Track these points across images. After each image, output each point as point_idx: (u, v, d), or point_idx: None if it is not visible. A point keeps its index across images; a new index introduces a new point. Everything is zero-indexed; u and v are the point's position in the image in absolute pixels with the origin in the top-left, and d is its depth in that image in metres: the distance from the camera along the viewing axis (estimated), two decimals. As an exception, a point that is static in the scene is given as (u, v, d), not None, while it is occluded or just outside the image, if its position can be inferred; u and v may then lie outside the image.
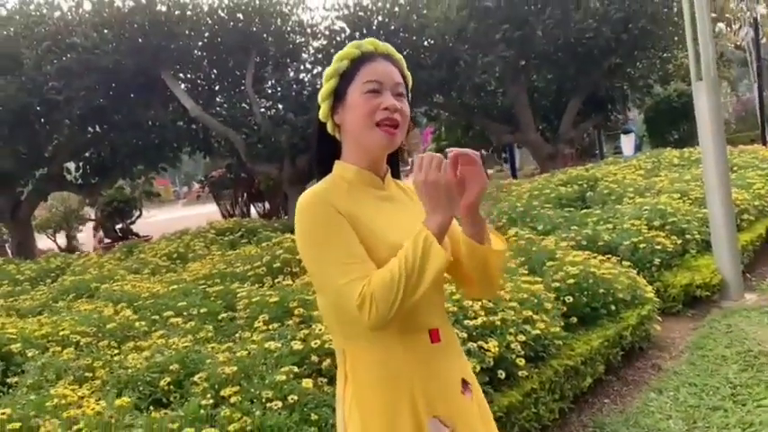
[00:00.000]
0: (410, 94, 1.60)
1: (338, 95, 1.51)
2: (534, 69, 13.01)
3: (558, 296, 3.87)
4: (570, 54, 11.50)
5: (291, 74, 11.49)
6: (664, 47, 12.43)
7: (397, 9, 10.81)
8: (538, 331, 3.38)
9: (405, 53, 10.90)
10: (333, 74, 1.52)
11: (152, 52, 10.33)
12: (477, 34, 10.16)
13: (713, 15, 19.57)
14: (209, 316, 3.71)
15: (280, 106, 11.51)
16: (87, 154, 13.31)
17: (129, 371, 2.82)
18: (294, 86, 11.21)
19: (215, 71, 12.03)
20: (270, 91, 11.94)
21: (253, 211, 16.49)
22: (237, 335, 3.33)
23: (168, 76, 10.75)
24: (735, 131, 18.89)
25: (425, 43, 10.85)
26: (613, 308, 4.06)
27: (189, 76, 12.16)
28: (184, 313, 3.63)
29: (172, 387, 2.73)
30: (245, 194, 17.02)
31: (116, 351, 3.17)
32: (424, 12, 10.72)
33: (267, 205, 16.34)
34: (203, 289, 4.22)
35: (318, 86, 8.31)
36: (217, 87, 12.58)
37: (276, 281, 4.30)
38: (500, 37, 10.08)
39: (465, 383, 1.53)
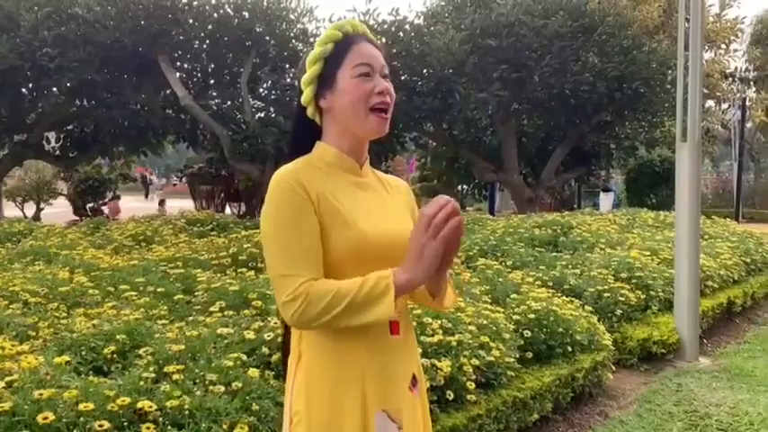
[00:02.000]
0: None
1: (324, 80, 1.48)
2: (526, 113, 13.17)
3: (518, 328, 3.87)
4: (563, 104, 11.68)
5: (288, 79, 11.48)
6: (654, 111, 12.68)
7: (401, 34, 10.92)
8: (492, 358, 3.37)
9: (402, 78, 11.08)
10: (318, 58, 1.48)
11: (152, 35, 10.29)
12: (476, 70, 10.31)
13: (705, 92, 20.16)
14: (165, 296, 3.64)
15: (271, 109, 11.50)
16: (70, 127, 13.13)
17: (74, 335, 2.75)
18: (289, 91, 11.21)
19: (212, 65, 12.00)
20: (263, 92, 11.93)
21: (228, 210, 16.36)
22: (191, 317, 3.27)
23: (164, 62, 10.69)
24: (711, 205, 19.30)
25: (424, 71, 10.95)
26: (569, 349, 4.06)
27: (185, 65, 12.11)
28: (141, 289, 3.56)
29: (115, 357, 2.66)
30: (223, 193, 16.90)
31: (64, 315, 3.08)
32: (427, 39, 10.83)
33: (243, 207, 16.23)
34: (164, 270, 4.15)
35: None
36: (212, 81, 12.54)
37: (239, 272, 4.25)
38: (497, 76, 10.22)
39: (414, 380, 1.52)
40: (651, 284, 5.51)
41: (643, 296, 5.37)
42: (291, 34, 11.48)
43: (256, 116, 11.33)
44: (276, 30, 10.82)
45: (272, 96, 11.32)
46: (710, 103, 22.04)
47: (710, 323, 5.88)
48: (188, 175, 16.30)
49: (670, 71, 11.89)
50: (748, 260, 7.44)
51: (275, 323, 3.02)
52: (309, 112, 1.51)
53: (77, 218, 14.87)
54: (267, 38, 10.85)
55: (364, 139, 1.52)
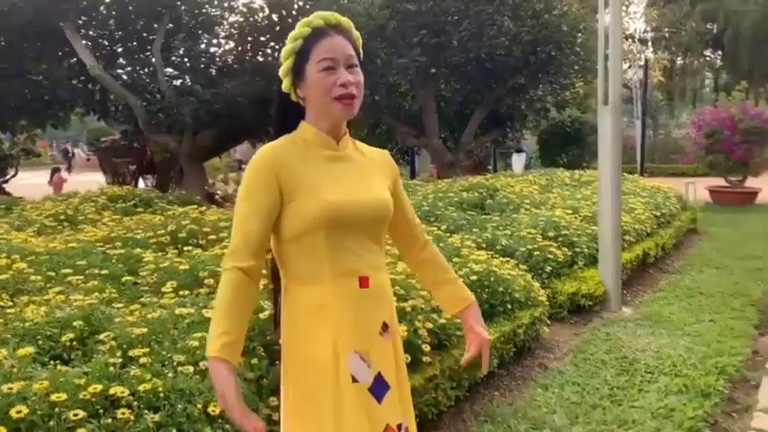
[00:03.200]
0: (361, 57, 1.72)
1: (297, 73, 1.67)
2: (444, 78, 13.35)
3: (462, 291, 4.03)
4: (480, 68, 11.91)
5: (203, 46, 11.10)
6: (564, 74, 13.13)
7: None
8: (444, 321, 3.51)
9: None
10: (288, 53, 1.67)
11: (54, 1, 9.65)
12: (396, 35, 10.33)
13: (607, 52, 21.02)
14: (111, 279, 3.54)
15: (187, 77, 11.10)
16: (-36, 101, 12.19)
17: (26, 324, 2.65)
18: (204, 59, 10.86)
19: (120, 32, 11.40)
20: (177, 60, 11.48)
21: (141, 183, 15.78)
22: (143, 299, 3.21)
23: (69, 29, 10.07)
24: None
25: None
26: (509, 307, 4.27)
27: (90, 32, 11.44)
28: (86, 272, 3.45)
29: (75, 344, 2.59)
30: (135, 165, 16.25)
31: (10, 304, 2.96)
32: (346, 4, 10.73)
33: (157, 179, 15.68)
34: (102, 251, 4.02)
35: (230, 62, 8.10)
36: (120, 49, 11.92)
37: (184, 249, 4.17)
38: (417, 41, 10.30)
39: (385, 327, 1.72)
40: (576, 241, 5.82)
41: (569, 253, 5.68)
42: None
43: (171, 85, 10.89)
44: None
45: (188, 64, 10.91)
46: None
47: (629, 275, 6.29)
48: (98, 149, 15.54)
49: (580, 34, 12.33)
50: (658, 213, 7.98)
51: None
52: (293, 97, 1.71)
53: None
54: (179, 2, 10.40)
55: (338, 121, 1.69)
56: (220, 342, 1.52)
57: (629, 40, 24.65)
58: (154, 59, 10.68)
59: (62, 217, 6.26)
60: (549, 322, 4.72)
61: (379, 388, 1.68)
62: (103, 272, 3.54)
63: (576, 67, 12.93)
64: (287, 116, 1.74)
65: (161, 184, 15.05)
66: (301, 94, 1.68)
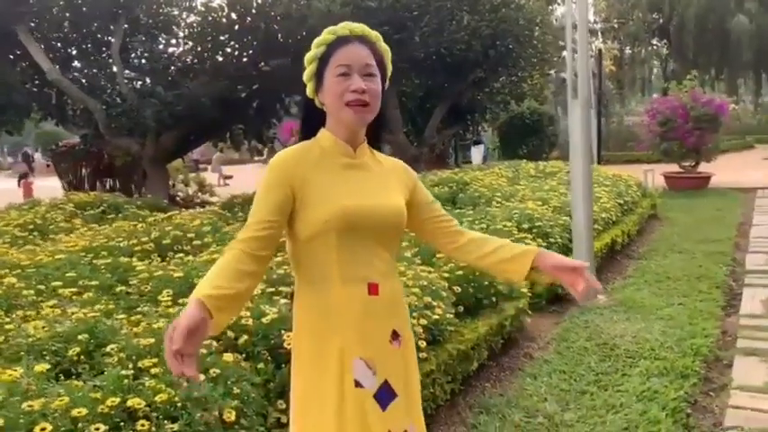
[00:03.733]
0: (388, 70, 1.78)
1: (318, 78, 1.71)
2: (406, 73, 13.41)
3: (449, 285, 4.12)
4: (441, 63, 12.02)
5: (161, 46, 10.93)
6: (522, 67, 13.37)
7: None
8: (437, 316, 3.59)
9: (284, 41, 10.90)
10: (312, 59, 1.72)
11: (8, 2, 9.36)
12: (358, 32, 10.32)
13: (561, 44, 21.44)
14: (101, 289, 3.51)
15: (147, 79, 10.92)
16: None
17: (30, 339, 2.63)
18: (164, 60, 10.69)
19: (74, 34, 11.12)
20: (135, 62, 11.28)
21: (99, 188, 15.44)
22: (140, 308, 3.20)
23: (23, 32, 9.80)
24: (569, 151, 20.79)
25: (305, 34, 10.82)
26: (494, 300, 4.39)
27: (44, 35, 11.13)
28: (78, 284, 3.41)
29: (82, 358, 2.58)
30: (90, 169, 15.89)
31: (7, 320, 2.92)
32: (305, 2, 10.71)
33: (116, 182, 15.38)
34: (88, 262, 3.97)
35: (190, 62, 8.05)
36: (74, 51, 11.64)
37: (167, 257, 4.16)
38: (380, 37, 10.25)
39: (396, 335, 1.75)
40: (550, 232, 5.98)
41: (544, 243, 5.80)
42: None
43: (131, 87, 10.70)
44: (146, -6, 10.25)
45: (148, 66, 10.73)
46: (566, 53, 23.45)
47: (599, 263, 6.48)
48: (54, 154, 15.15)
49: (537, 27, 12.57)
50: (621, 201, 8.23)
51: (234, 306, 3.04)
52: (317, 103, 1.75)
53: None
54: (137, 3, 10.21)
55: (351, 127, 1.72)
56: (209, 290, 1.47)
57: (576, 28, 25.13)
58: (112, 61, 10.49)
59: (31, 226, 6.14)
60: (530, 313, 4.86)
61: (384, 395, 1.69)
62: (93, 283, 3.51)
63: (534, 60, 13.18)
64: (312, 122, 1.78)
65: (121, 188, 14.80)
66: (321, 99, 1.73)
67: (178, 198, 13.53)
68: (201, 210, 8.03)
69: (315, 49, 1.72)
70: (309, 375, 1.70)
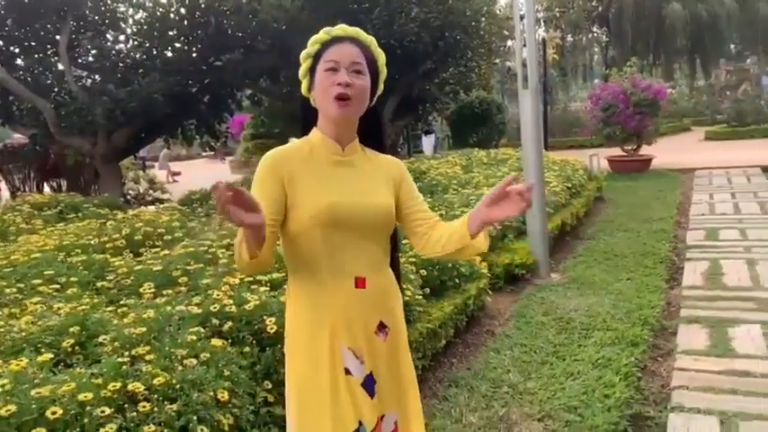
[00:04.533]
0: (382, 73, 1.85)
1: (311, 75, 1.79)
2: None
3: (416, 269, 4.34)
4: (392, 55, 12.08)
5: (110, 43, 10.80)
6: (470, 57, 13.68)
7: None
8: (407, 298, 3.80)
9: (234, 35, 10.91)
10: (306, 56, 1.80)
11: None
12: (310, 25, 10.43)
13: (506, 33, 21.88)
14: (81, 285, 3.60)
15: (96, 76, 10.77)
16: None
17: (23, 334, 2.73)
18: (113, 57, 10.58)
19: (18, 32, 10.87)
20: (83, 60, 11.10)
21: (46, 189, 15.10)
22: (123, 301, 3.31)
23: (-36, 32, 9.56)
24: (518, 137, 21.32)
25: (256, 27, 10.86)
26: (457, 281, 4.64)
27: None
28: (59, 281, 3.49)
29: (76, 348, 2.70)
30: (37, 170, 15.51)
31: (-5, 316, 3.00)
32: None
33: (63, 182, 15.07)
34: (62, 259, 4.04)
35: (139, 59, 8.06)
36: (17, 50, 11.37)
37: (139, 252, 4.25)
38: (331, 30, 10.37)
39: (382, 326, 1.81)
40: (505, 216, 6.25)
41: (500, 227, 6.10)
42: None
43: (80, 85, 10.54)
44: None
45: (96, 63, 10.58)
46: (511, 43, 23.92)
47: (552, 244, 6.81)
48: (-1, 156, 14.73)
49: (483, 18, 12.88)
50: (569, 185, 8.59)
51: (217, 295, 3.19)
52: (312, 101, 1.81)
53: None
54: (86, 2, 10.06)
55: (338, 122, 1.77)
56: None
57: (523, 20, 25.66)
58: (58, 60, 10.31)
59: (-12, 228, 6.08)
60: (490, 292, 5.13)
61: (371, 385, 1.77)
62: (73, 279, 3.59)
63: (482, 50, 13.50)
64: (307, 121, 1.85)
65: (68, 189, 14.50)
66: (312, 96, 1.79)
67: (129, 196, 13.38)
68: (162, 207, 8.02)
69: (310, 47, 1.79)
70: (303, 364, 1.76)
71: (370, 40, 1.83)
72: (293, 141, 1.88)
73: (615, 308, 4.95)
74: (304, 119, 1.87)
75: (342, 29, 1.80)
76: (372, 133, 1.92)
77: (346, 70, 1.72)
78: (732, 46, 32.78)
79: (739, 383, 3.64)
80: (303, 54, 1.80)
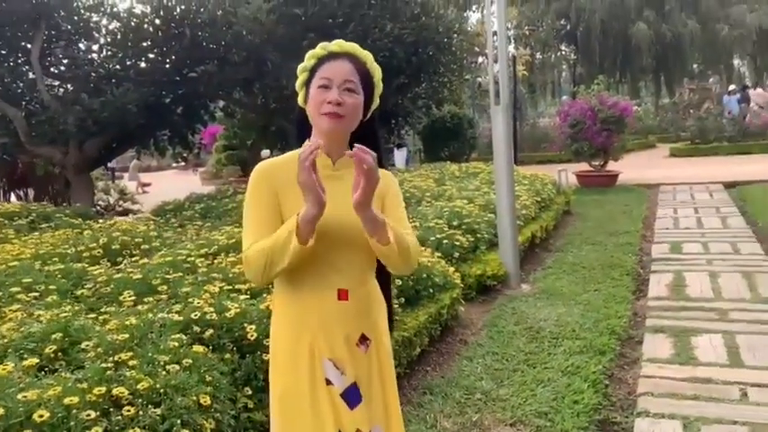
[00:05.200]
0: (378, 88, 1.88)
1: (307, 88, 1.84)
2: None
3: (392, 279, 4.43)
4: (365, 69, 12.37)
5: (82, 53, 10.75)
6: (442, 73, 13.88)
7: (206, 1, 10.75)
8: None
9: (209, 47, 10.95)
10: (303, 70, 1.85)
11: None
12: (285, 39, 10.53)
13: (477, 50, 22.22)
14: (60, 293, 3.62)
15: (69, 86, 10.70)
16: None
17: (5, 340, 2.75)
18: (86, 66, 10.53)
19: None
20: (54, 69, 11.01)
21: (13, 198, 14.86)
22: (104, 309, 3.34)
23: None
24: (489, 152, 21.62)
25: (231, 40, 10.91)
26: (431, 291, 4.74)
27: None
28: (38, 289, 3.51)
29: (59, 355, 2.73)
30: (4, 179, 15.27)
31: (-26, 324, 3.01)
32: (231, 9, 10.79)
33: (29, 192, 14.85)
34: (39, 268, 4.04)
35: (112, 69, 8.04)
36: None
37: (117, 262, 4.27)
38: (306, 44, 10.53)
39: (364, 339, 1.84)
40: (477, 228, 6.41)
41: (472, 239, 6.25)
42: (80, 4, 10.69)
43: (53, 94, 10.46)
44: (67, 0, 10.04)
45: (69, 73, 10.50)
46: (481, 59, 24.30)
47: (522, 256, 6.97)
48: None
49: (455, 35, 13.11)
50: (539, 199, 8.79)
51: (198, 303, 3.24)
52: (308, 113, 1.84)
53: None
54: (57, 9, 10.00)
55: (329, 136, 1.79)
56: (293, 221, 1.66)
57: (495, 36, 26.11)
58: (30, 68, 10.22)
59: (-43, 238, 6.01)
60: (463, 302, 5.25)
61: (352, 396, 1.78)
62: (51, 287, 3.61)
63: (454, 66, 13.72)
64: (302, 132, 1.88)
65: (36, 198, 14.28)
66: (307, 108, 1.83)
67: (99, 207, 13.25)
68: (136, 217, 8.00)
69: (306, 62, 1.83)
70: (285, 375, 1.80)
71: (366, 55, 1.86)
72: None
73: (583, 318, 5.10)
74: (299, 129, 1.92)
75: (338, 44, 1.85)
76: (367, 146, 1.85)
77: (338, 88, 1.76)
78: (695, 65, 33.77)
79: (701, 390, 3.80)
80: (300, 67, 1.85)
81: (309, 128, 1.87)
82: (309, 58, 1.84)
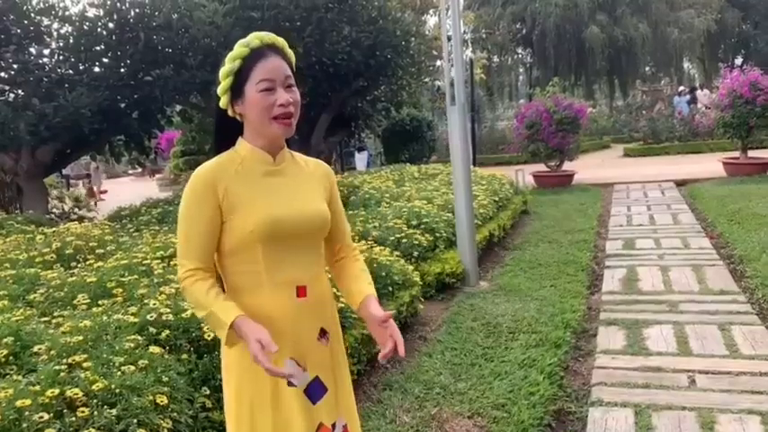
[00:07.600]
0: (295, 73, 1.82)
1: (236, 92, 1.74)
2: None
3: (351, 278, 4.46)
4: (324, 73, 12.36)
5: (33, 57, 10.51)
6: (400, 76, 13.97)
7: (161, 4, 10.63)
8: (342, 305, 3.91)
9: (165, 51, 10.82)
10: (227, 73, 1.74)
11: None
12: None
13: (435, 54, 22.42)
14: (11, 298, 3.55)
15: (20, 91, 10.45)
16: None
17: (-46, 346, 2.70)
18: (37, 71, 10.30)
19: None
20: (4, 74, 10.74)
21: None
22: (57, 313, 3.30)
23: None
24: (447, 155, 21.83)
25: (186, 43, 10.81)
26: (390, 289, 4.79)
27: None
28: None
29: (10, 359, 2.69)
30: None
31: None
32: (187, 13, 10.70)
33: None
34: (-10, 274, 3.96)
35: (65, 73, 7.89)
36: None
37: (70, 266, 4.21)
38: (263, 48, 10.44)
39: (324, 332, 1.85)
40: (436, 228, 6.48)
41: (431, 238, 6.32)
42: (31, 7, 10.45)
43: (2, 100, 10.20)
44: (15, 3, 9.80)
45: (20, 78, 10.26)
46: (439, 62, 24.52)
47: (480, 254, 7.07)
48: None
49: (412, 39, 13.22)
50: (497, 198, 8.92)
51: (154, 304, 3.22)
52: (230, 113, 1.79)
53: None
54: (8, 14, 9.76)
55: (277, 140, 1.79)
56: (230, 306, 1.66)
57: (451, 40, 26.37)
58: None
59: None
60: (422, 300, 5.30)
61: (315, 391, 1.79)
62: (2, 293, 3.54)
63: (412, 69, 13.82)
64: (226, 132, 1.81)
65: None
66: (239, 111, 1.75)
67: (53, 214, 12.97)
68: (96, 223, 7.86)
69: (229, 64, 1.73)
70: (241, 378, 1.75)
71: (282, 42, 1.80)
72: (222, 155, 1.83)
73: (540, 312, 5.21)
74: (221, 131, 1.84)
75: (259, 38, 1.75)
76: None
77: (282, 87, 1.72)
78: (647, 68, 34.65)
79: (652, 378, 3.93)
80: (223, 71, 1.74)
81: (232, 131, 1.81)
82: (233, 59, 1.73)
